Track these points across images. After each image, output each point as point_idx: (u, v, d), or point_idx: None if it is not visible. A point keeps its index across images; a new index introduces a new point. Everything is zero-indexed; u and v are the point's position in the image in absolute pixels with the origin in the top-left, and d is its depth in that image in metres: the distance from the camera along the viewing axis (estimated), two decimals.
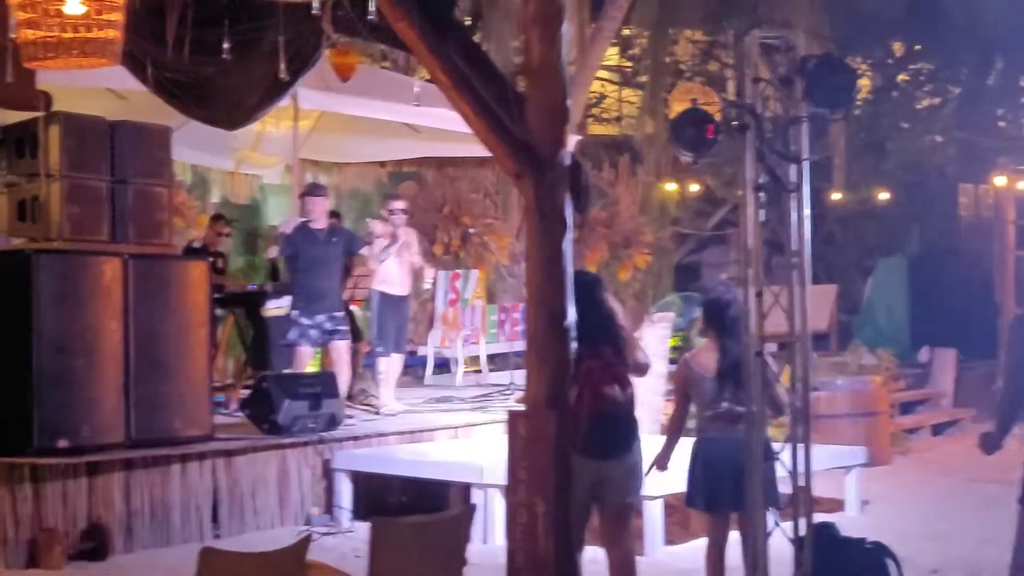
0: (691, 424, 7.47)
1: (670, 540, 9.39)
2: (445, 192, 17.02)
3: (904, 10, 20.53)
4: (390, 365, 12.09)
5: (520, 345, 14.46)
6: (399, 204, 12.42)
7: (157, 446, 9.36)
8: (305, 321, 11.26)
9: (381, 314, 12.13)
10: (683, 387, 7.37)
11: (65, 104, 9.35)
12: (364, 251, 12.01)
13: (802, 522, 6.67)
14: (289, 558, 5.51)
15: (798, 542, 6.64)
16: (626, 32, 21.23)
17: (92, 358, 9.17)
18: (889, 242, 22.25)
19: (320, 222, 11.49)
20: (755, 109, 6.51)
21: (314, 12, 7.48)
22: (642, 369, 7.02)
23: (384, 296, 12.12)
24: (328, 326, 11.34)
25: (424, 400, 13.00)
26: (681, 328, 16.64)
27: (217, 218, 13.69)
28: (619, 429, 6.80)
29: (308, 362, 11.54)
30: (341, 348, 11.51)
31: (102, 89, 10.89)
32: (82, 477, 8.90)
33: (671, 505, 9.52)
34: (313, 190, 11.83)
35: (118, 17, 6.16)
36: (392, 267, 12.12)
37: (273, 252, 11.98)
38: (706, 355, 7.22)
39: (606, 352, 6.75)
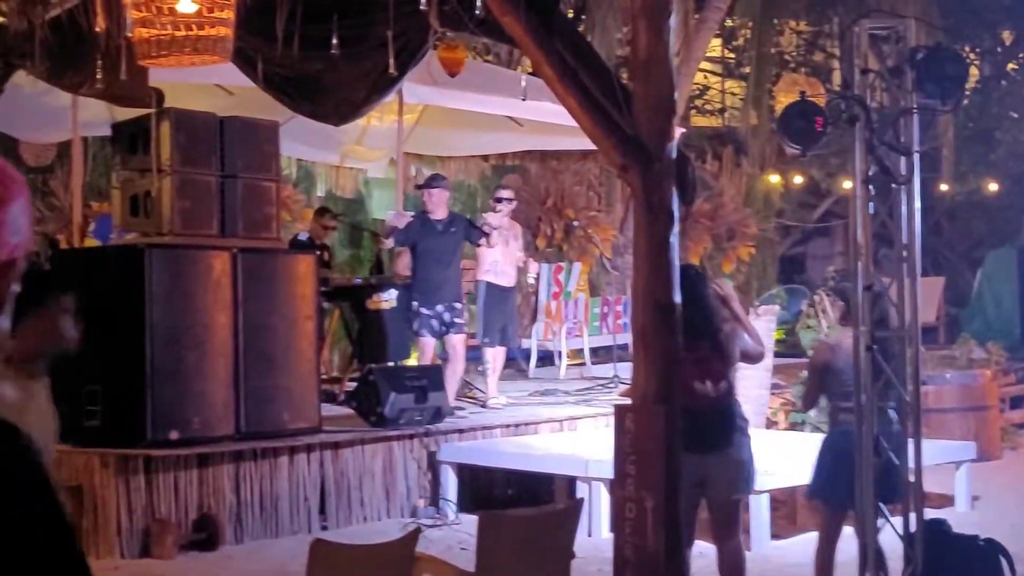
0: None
1: (776, 534, 9.32)
2: (548, 185, 17.04)
3: None
4: (495, 357, 12.13)
5: (623, 338, 14.44)
6: (506, 193, 12.45)
7: (266, 438, 9.47)
8: (425, 311, 11.36)
9: (487, 305, 12.16)
10: (822, 373, 7.24)
11: (175, 100, 9.47)
12: (482, 242, 12.03)
13: (912, 518, 6.59)
14: (399, 550, 5.55)
15: (908, 538, 6.56)
16: (729, 23, 21.08)
17: (202, 351, 9.28)
18: (998, 233, 21.91)
19: (439, 213, 11.58)
20: (864, 100, 6.44)
21: (421, 7, 7.53)
22: (753, 357, 6.96)
23: (491, 287, 12.15)
24: (447, 317, 11.42)
25: (528, 393, 13.03)
26: (785, 321, 16.51)
27: (323, 211, 13.81)
28: (713, 424, 6.73)
29: (431, 353, 11.60)
30: (456, 341, 11.57)
31: (210, 85, 11.05)
32: (193, 469, 9.03)
33: (777, 499, 9.45)
34: (432, 181, 11.90)
35: (229, 15, 6.25)
36: (499, 257, 12.14)
37: (389, 243, 12.01)
38: (849, 343, 7.08)
39: (702, 347, 6.70)
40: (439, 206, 11.59)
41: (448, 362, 11.53)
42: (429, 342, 11.52)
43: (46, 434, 2.21)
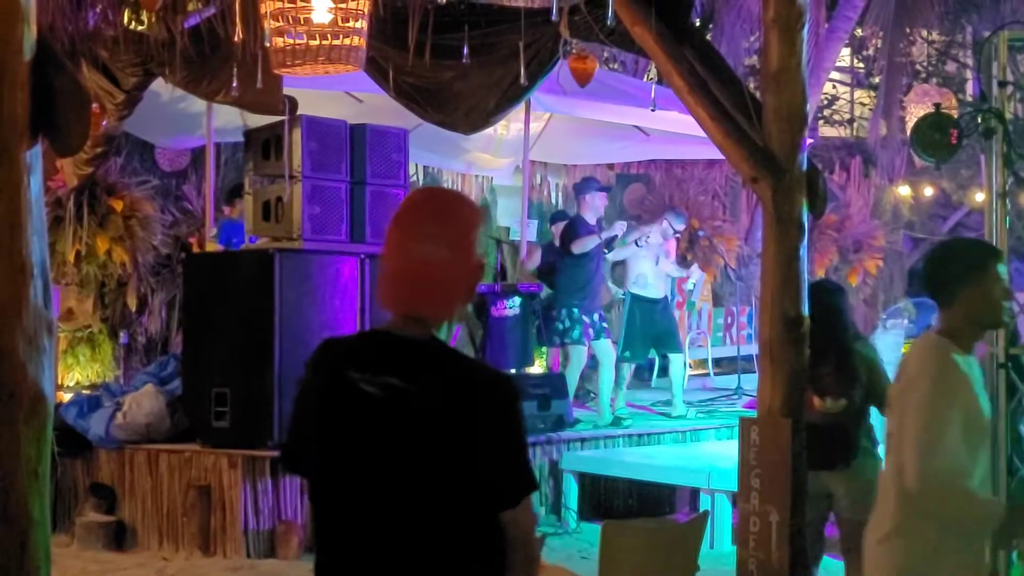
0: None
1: None
2: (673, 194, 16.97)
3: None
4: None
5: (746, 349, 14.34)
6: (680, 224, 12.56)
7: None
8: (585, 318, 11.42)
9: (631, 317, 12.11)
10: None
11: (305, 107, 9.60)
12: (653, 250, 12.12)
13: None
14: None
15: None
16: (859, 32, 20.84)
17: None
18: None
19: (592, 217, 11.65)
20: (1002, 113, 6.33)
21: (552, 18, 7.56)
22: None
23: (635, 299, 12.10)
24: (600, 323, 11.49)
25: (651, 403, 12.99)
26: (914, 334, 16.26)
27: None
28: (829, 441, 6.63)
29: (585, 359, 11.61)
30: (605, 347, 11.59)
31: (340, 93, 11.19)
32: None
33: None
34: (585, 186, 11.97)
35: (363, 25, 6.32)
36: (647, 269, 12.11)
37: (587, 245, 11.65)
38: None
39: (828, 361, 6.62)
40: (591, 211, 11.67)
41: (597, 368, 11.56)
42: (582, 348, 11.53)
43: None
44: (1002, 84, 6.40)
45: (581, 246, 11.48)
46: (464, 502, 2.93)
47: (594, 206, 11.72)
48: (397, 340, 3.01)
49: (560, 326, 11.48)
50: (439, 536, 2.95)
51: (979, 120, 6.27)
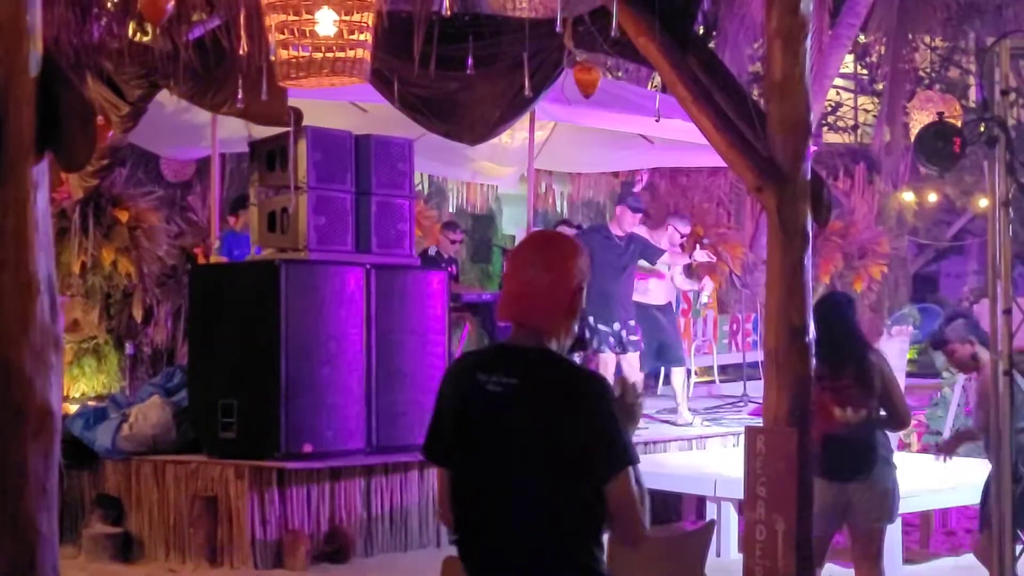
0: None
1: (909, 559, 9.19)
2: (677, 201, 16.98)
3: None
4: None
5: (752, 356, 14.34)
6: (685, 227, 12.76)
7: (397, 453, 9.56)
8: (603, 328, 11.43)
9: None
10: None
11: (309, 118, 9.62)
12: (664, 259, 12.14)
13: None
14: None
15: None
16: (863, 39, 20.85)
17: (335, 366, 9.40)
18: None
19: (621, 229, 11.74)
20: (1004, 121, 6.34)
21: (556, 29, 7.57)
22: (901, 421, 6.90)
23: (640, 307, 12.12)
24: (624, 335, 11.50)
25: (656, 411, 12.98)
26: (919, 340, 16.26)
27: (448, 225, 13.90)
28: (851, 452, 6.67)
29: (612, 368, 11.62)
30: (633, 360, 11.61)
31: (345, 103, 11.20)
32: (325, 482, 9.16)
33: (910, 523, 9.32)
34: (626, 199, 12.16)
35: (367, 37, 6.33)
36: (651, 283, 12.17)
37: None
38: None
39: (847, 373, 6.65)
40: (625, 222, 11.78)
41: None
42: (610, 358, 11.54)
43: None
44: (1004, 92, 6.41)
45: None
46: (569, 477, 3.63)
47: (626, 220, 11.80)
48: (514, 349, 3.81)
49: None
50: (551, 504, 3.66)
51: (982, 128, 6.29)
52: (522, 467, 3.68)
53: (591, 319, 11.39)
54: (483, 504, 3.78)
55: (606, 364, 11.53)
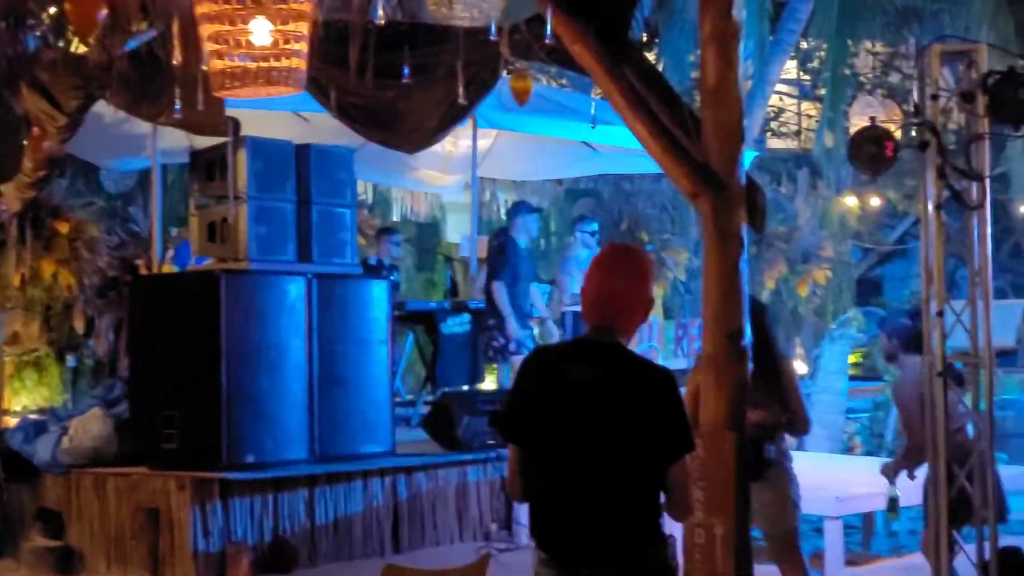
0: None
1: (851, 561, 9.25)
2: (622, 208, 17.04)
3: None
4: None
5: None
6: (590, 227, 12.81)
7: (340, 462, 9.54)
8: (524, 332, 11.64)
9: (575, 335, 12.20)
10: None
11: (251, 128, 9.60)
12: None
13: (987, 546, 6.53)
14: (471, 575, 5.58)
15: (983, 566, 6.51)
16: (804, 45, 20.99)
17: (278, 375, 9.37)
18: None
19: (524, 239, 12.12)
20: (935, 126, 6.41)
21: (492, 37, 7.58)
22: (799, 426, 6.97)
23: (574, 316, 12.18)
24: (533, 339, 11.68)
25: None
26: (862, 344, 16.38)
27: (384, 231, 13.84)
28: (755, 454, 6.68)
29: None
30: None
31: (286, 113, 11.18)
32: (268, 492, 9.12)
33: (851, 525, 9.38)
34: (517, 210, 12.38)
35: (303, 47, 6.31)
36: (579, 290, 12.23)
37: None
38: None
39: (755, 377, 6.66)
40: (527, 231, 11.93)
41: None
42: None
43: None
44: (935, 97, 6.48)
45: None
46: (644, 455, 4.20)
47: (527, 228, 11.91)
48: (593, 343, 4.38)
49: (496, 343, 11.62)
50: (626, 478, 4.21)
51: (913, 132, 6.36)
52: (603, 446, 4.21)
53: (517, 327, 11.51)
54: (561, 477, 4.26)
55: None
